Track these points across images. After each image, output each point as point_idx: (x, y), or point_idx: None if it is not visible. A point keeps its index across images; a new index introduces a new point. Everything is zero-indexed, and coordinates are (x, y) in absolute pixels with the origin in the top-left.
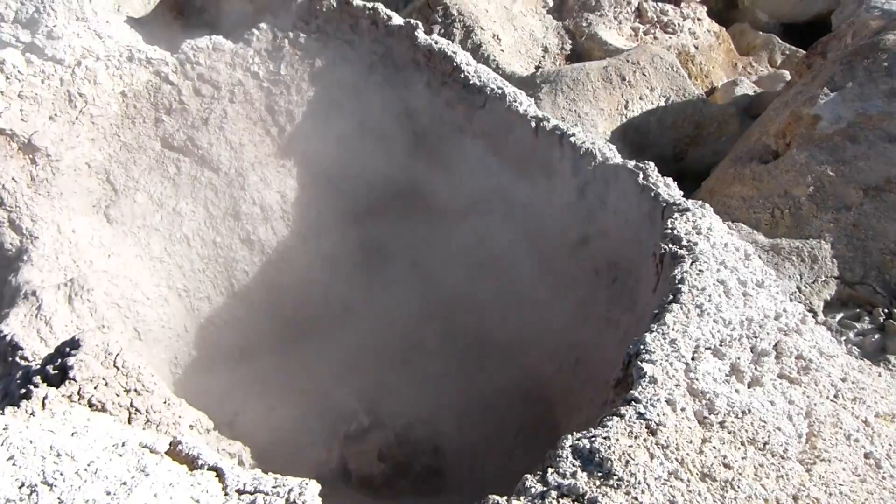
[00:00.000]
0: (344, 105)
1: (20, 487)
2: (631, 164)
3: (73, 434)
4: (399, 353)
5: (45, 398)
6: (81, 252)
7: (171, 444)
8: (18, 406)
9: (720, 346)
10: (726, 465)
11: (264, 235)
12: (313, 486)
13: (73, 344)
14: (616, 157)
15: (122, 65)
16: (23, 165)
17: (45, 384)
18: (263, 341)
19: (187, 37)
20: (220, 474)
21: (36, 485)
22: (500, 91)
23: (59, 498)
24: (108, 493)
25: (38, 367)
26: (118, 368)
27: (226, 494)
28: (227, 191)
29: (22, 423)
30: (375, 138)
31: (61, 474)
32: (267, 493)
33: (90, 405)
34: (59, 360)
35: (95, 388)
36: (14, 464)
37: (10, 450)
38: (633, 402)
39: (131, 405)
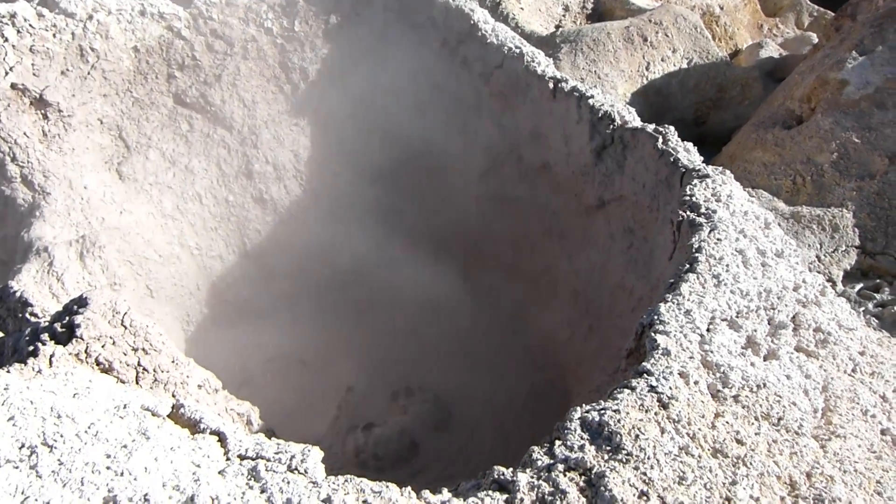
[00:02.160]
0: (359, 63)
1: (20, 448)
2: (650, 127)
3: (74, 395)
4: (411, 317)
5: (52, 356)
6: (93, 209)
7: (173, 408)
8: (26, 363)
9: (736, 317)
10: (739, 441)
11: (277, 194)
12: (315, 453)
13: (81, 302)
14: (635, 121)
15: (133, 19)
16: (35, 121)
17: (52, 342)
18: (275, 301)
19: None
20: (221, 439)
21: (36, 446)
22: (517, 50)
23: (58, 460)
24: (108, 456)
25: (47, 324)
26: (126, 327)
27: (227, 459)
28: (240, 149)
29: (23, 384)
30: (390, 97)
31: (61, 436)
32: (269, 460)
33: (97, 364)
34: (67, 318)
35: (103, 346)
36: (14, 424)
37: (11, 410)
38: (645, 375)
39: (139, 364)
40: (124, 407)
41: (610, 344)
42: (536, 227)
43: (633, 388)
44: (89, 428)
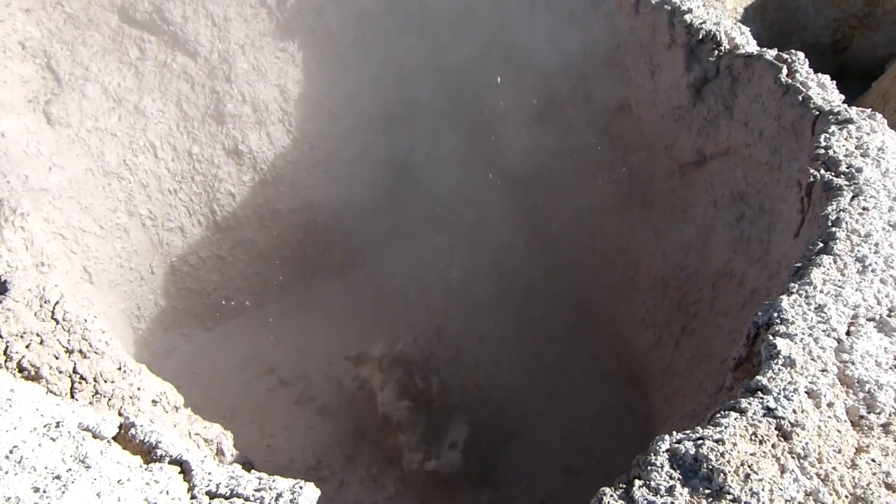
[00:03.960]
0: None
1: None
2: (770, 54)
3: None
4: (439, 310)
5: None
6: (13, 163)
7: (120, 428)
8: None
9: (888, 316)
10: (889, 486)
11: (257, 145)
12: (310, 491)
13: (0, 287)
14: (750, 44)
15: None
16: None
17: None
18: (256, 290)
19: None
20: (185, 470)
21: None
22: None
23: None
24: (37, 490)
25: None
26: (58, 322)
27: (192, 497)
28: (208, 83)
29: None
30: (410, 8)
31: None
32: (247, 499)
33: (20, 369)
34: None
35: (27, 346)
36: None
37: None
38: (760, 393)
39: (74, 371)
40: (57, 425)
41: (710, 352)
42: (610, 192)
43: (742, 412)
44: (11, 452)
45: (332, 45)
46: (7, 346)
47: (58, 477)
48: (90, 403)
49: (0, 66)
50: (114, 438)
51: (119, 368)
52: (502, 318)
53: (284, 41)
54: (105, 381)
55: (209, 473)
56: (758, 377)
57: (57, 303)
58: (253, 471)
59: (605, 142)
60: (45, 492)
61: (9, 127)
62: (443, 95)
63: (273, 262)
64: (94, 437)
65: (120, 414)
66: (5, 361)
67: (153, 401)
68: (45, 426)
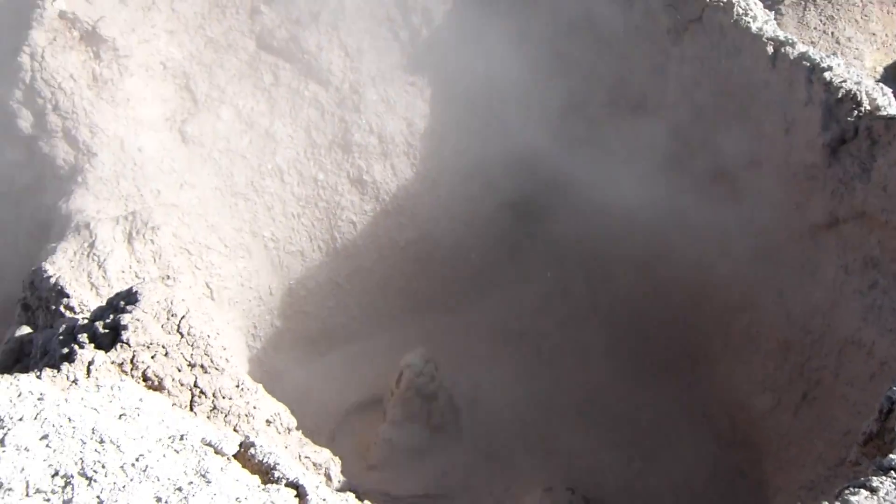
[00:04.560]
0: (502, 5)
1: (53, 476)
2: None
3: (120, 416)
4: (551, 358)
5: (90, 363)
6: (148, 178)
7: (241, 446)
8: (59, 370)
9: None
10: None
11: (381, 176)
12: None
13: (130, 298)
14: (891, 106)
15: None
16: (84, 60)
17: (91, 345)
18: (367, 316)
19: None
20: (300, 494)
21: (72, 476)
22: None
23: (97, 497)
24: (159, 500)
25: (86, 321)
26: (183, 335)
27: None
28: (337, 112)
29: (60, 395)
30: (542, 53)
31: (103, 467)
32: None
33: (144, 378)
34: (112, 317)
35: (153, 357)
36: (48, 445)
37: (45, 427)
38: (894, 472)
39: (195, 385)
40: (181, 438)
41: (832, 421)
42: (733, 247)
43: (873, 490)
44: (137, 461)
45: (461, 81)
46: (134, 356)
47: (179, 489)
48: (208, 417)
49: (142, 84)
50: (234, 456)
51: (237, 386)
52: (612, 369)
53: (414, 75)
54: (223, 398)
55: (324, 500)
56: (891, 455)
57: (183, 317)
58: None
59: (730, 195)
60: (166, 502)
61: (146, 143)
62: (566, 140)
63: (388, 293)
64: (216, 452)
65: (235, 430)
66: (131, 370)
67: (267, 420)
68: (169, 437)
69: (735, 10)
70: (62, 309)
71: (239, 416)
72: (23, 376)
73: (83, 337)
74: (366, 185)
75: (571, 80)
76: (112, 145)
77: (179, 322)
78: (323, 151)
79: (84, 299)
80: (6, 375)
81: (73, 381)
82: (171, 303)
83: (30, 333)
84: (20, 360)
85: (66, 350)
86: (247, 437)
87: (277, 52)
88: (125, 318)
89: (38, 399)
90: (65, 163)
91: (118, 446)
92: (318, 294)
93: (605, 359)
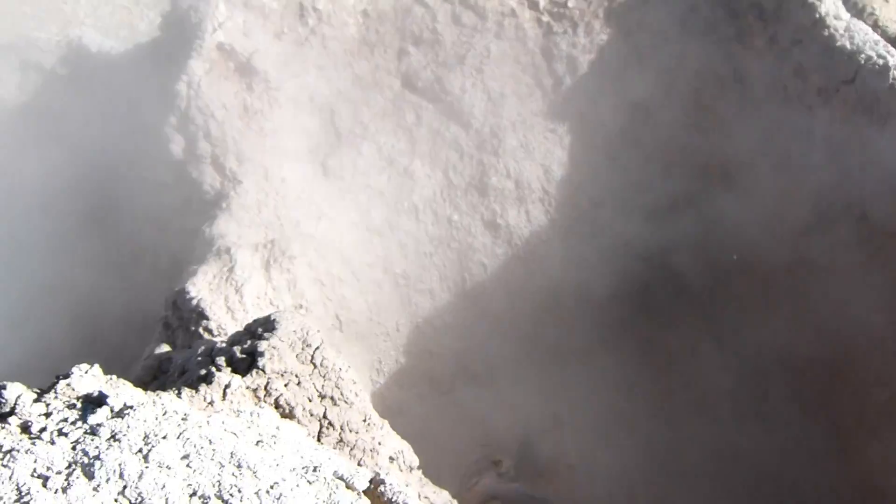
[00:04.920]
0: (648, 57)
1: (191, 496)
2: None
3: (258, 443)
4: (673, 416)
5: (226, 387)
6: (288, 207)
7: (372, 482)
8: (197, 390)
9: None
10: None
11: (515, 220)
12: None
13: (268, 325)
14: None
15: None
16: (237, 91)
17: (228, 369)
18: (491, 360)
19: None
20: None
21: (209, 497)
22: (880, 61)
23: None
24: None
25: (224, 345)
26: (316, 366)
27: None
28: (476, 154)
29: (202, 417)
30: (687, 108)
31: (239, 491)
32: None
33: (276, 406)
34: (249, 342)
35: (286, 385)
36: (189, 465)
37: (187, 447)
38: None
39: (324, 416)
40: (314, 469)
41: None
42: (877, 319)
43: None
44: (272, 488)
45: (601, 132)
46: (268, 382)
47: None
48: (334, 450)
49: (289, 116)
50: (364, 492)
51: (364, 420)
52: (736, 432)
53: (555, 123)
54: (350, 431)
55: None
56: None
57: (317, 348)
58: None
59: (877, 265)
60: None
61: (289, 174)
62: (703, 193)
63: (514, 338)
64: (347, 487)
65: (359, 464)
66: (264, 396)
67: (391, 457)
68: (303, 468)
69: (891, 72)
70: (201, 330)
71: (364, 450)
72: (164, 394)
73: (221, 360)
74: (499, 229)
75: (715, 135)
76: (257, 174)
77: (314, 353)
78: (459, 193)
79: (222, 322)
80: (150, 392)
81: (209, 403)
82: (307, 333)
83: (168, 352)
84: (157, 377)
85: (203, 371)
86: (377, 473)
87: (421, 92)
88: (262, 345)
89: (182, 419)
90: (211, 188)
91: (254, 472)
92: (445, 334)
93: (733, 422)
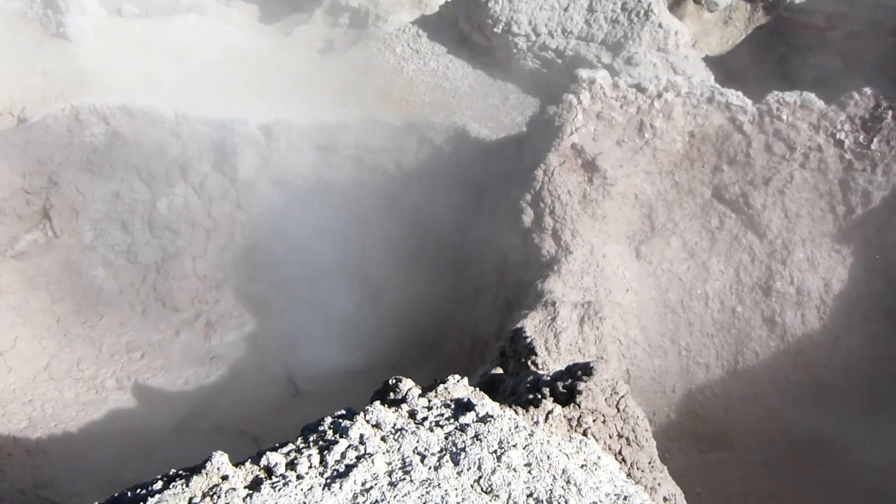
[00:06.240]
0: None
1: (528, 496)
2: None
3: (582, 466)
4: None
5: (549, 413)
6: (605, 278)
7: None
8: (527, 410)
9: None
10: None
11: (791, 321)
12: None
13: (586, 370)
14: None
15: (699, 104)
16: (580, 182)
17: (551, 399)
18: (752, 436)
19: (766, 86)
20: None
21: (542, 501)
22: None
23: None
24: None
25: (549, 379)
26: (618, 410)
27: None
28: (766, 261)
29: (544, 435)
30: None
31: (566, 502)
32: None
33: (584, 436)
34: (570, 381)
35: (594, 421)
36: (530, 472)
37: (530, 457)
38: None
39: (619, 453)
40: (625, 499)
41: None
42: None
43: None
44: None
45: (882, 260)
46: (581, 416)
47: None
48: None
49: (617, 207)
50: None
51: (650, 462)
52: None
53: (840, 245)
54: (638, 469)
55: None
56: None
57: (622, 396)
58: None
59: None
60: None
61: (610, 252)
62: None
63: (777, 420)
64: None
65: None
66: (576, 426)
67: (665, 498)
68: (615, 495)
69: None
70: (529, 363)
71: (647, 488)
72: (508, 410)
73: (546, 390)
74: (775, 326)
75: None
76: (584, 248)
77: (619, 399)
78: (745, 290)
79: (545, 360)
80: (506, 408)
81: (535, 423)
82: (616, 383)
83: (501, 374)
84: (489, 392)
85: (531, 396)
86: None
87: (727, 203)
88: (580, 385)
89: (529, 435)
90: (548, 253)
91: (579, 489)
92: (713, 402)
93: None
